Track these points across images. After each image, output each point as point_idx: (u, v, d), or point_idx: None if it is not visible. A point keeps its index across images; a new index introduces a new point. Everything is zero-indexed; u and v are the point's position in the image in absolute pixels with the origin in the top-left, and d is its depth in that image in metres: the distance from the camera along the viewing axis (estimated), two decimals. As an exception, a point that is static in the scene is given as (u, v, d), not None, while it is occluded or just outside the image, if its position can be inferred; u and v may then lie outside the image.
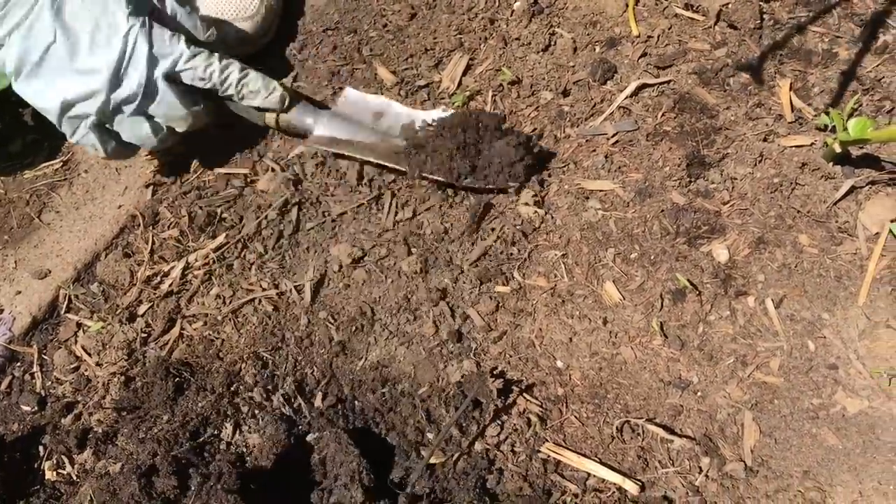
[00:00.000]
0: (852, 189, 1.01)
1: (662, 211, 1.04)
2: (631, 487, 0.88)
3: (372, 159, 1.07)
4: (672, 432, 0.92)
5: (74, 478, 0.96)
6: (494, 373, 0.96)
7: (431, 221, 1.07)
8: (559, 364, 0.98)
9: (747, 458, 0.90)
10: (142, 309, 1.06)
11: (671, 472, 0.90)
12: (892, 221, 0.98)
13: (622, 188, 1.07)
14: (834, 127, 1.02)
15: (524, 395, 0.95)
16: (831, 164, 1.03)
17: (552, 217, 1.07)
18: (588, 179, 1.08)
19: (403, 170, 1.05)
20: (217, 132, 1.16)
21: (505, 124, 1.09)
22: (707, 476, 0.89)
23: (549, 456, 0.91)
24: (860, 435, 0.90)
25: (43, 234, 1.13)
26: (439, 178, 1.03)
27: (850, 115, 1.04)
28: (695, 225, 1.03)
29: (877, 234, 0.99)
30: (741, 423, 0.92)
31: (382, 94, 1.18)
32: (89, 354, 1.04)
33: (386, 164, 1.07)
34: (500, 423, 0.93)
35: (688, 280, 0.99)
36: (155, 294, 1.06)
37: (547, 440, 0.92)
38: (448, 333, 0.99)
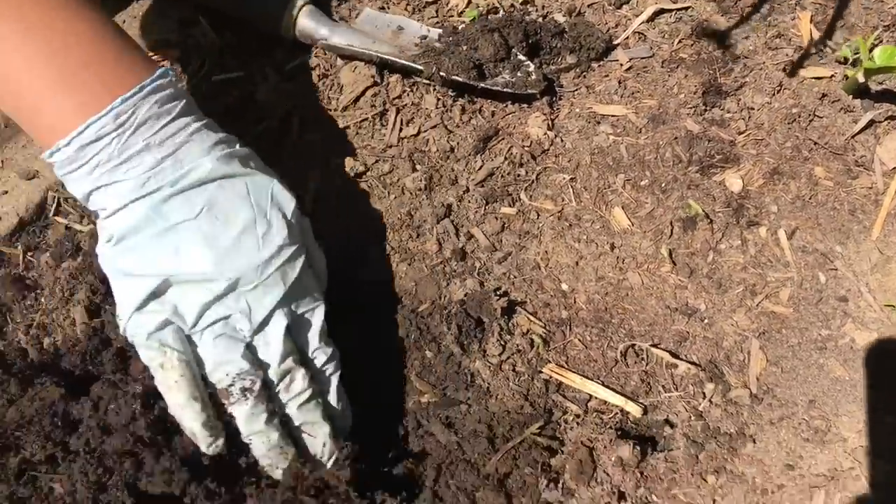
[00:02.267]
0: (871, 123, 0.99)
1: (676, 138, 1.01)
2: (634, 410, 0.86)
3: (387, 57, 1.02)
4: (677, 357, 0.90)
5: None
6: (498, 293, 0.94)
7: (437, 139, 1.03)
8: (564, 287, 0.95)
9: (752, 385, 0.89)
10: (133, 215, 1.01)
11: (675, 397, 0.88)
12: (909, 156, 0.96)
13: (635, 114, 1.04)
14: (854, 61, 0.99)
15: (528, 315, 0.92)
16: (851, 97, 1.00)
17: (562, 140, 1.04)
18: (600, 104, 1.05)
19: (420, 68, 1.01)
20: (217, 40, 1.12)
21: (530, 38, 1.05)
22: (711, 402, 0.88)
23: (550, 377, 0.89)
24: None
25: (30, 136, 1.08)
26: (457, 78, 0.99)
27: (871, 49, 1.01)
28: (708, 154, 1.00)
29: (893, 168, 0.97)
30: (747, 351, 0.90)
31: (389, 10, 1.14)
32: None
33: (400, 61, 1.02)
34: (502, 342, 0.90)
35: (700, 208, 0.97)
36: (147, 201, 1.02)
37: (549, 361, 0.90)
38: (451, 252, 0.96)
